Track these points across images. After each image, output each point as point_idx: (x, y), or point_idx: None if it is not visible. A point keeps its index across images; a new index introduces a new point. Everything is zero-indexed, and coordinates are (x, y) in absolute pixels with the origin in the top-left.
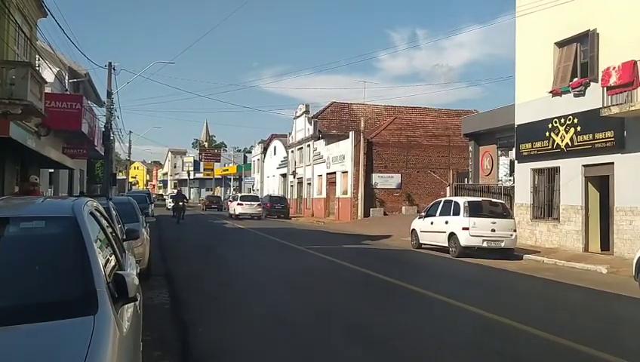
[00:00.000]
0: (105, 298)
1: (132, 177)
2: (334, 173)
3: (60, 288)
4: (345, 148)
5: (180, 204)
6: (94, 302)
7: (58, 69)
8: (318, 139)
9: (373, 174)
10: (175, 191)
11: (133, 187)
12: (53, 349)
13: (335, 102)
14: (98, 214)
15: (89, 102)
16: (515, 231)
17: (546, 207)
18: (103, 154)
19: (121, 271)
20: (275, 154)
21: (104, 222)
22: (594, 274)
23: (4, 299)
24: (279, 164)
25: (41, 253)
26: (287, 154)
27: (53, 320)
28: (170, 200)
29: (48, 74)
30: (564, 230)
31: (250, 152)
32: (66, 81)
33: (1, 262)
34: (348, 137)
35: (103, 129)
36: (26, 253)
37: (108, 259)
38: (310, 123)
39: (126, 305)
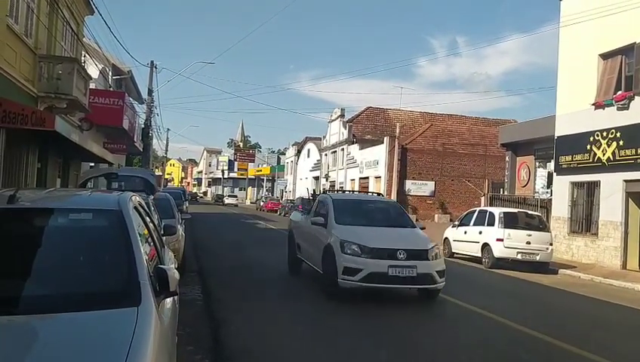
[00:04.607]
0: (148, 290)
1: (168, 174)
2: (367, 177)
3: (105, 279)
4: (379, 153)
5: None
6: (138, 294)
7: (102, 66)
8: (352, 143)
9: (407, 181)
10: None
11: (169, 183)
12: (99, 337)
13: (371, 107)
14: (141, 209)
15: (130, 98)
16: (551, 244)
17: (584, 222)
18: (141, 150)
19: (162, 265)
20: (308, 156)
21: (146, 217)
22: (632, 293)
23: (53, 287)
24: (312, 167)
25: (88, 243)
26: (321, 157)
27: (99, 310)
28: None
29: (93, 70)
30: (602, 246)
31: (284, 154)
32: (110, 78)
33: (50, 251)
34: (382, 142)
35: (143, 125)
36: (74, 244)
37: (150, 253)
38: (345, 127)
39: (166, 299)
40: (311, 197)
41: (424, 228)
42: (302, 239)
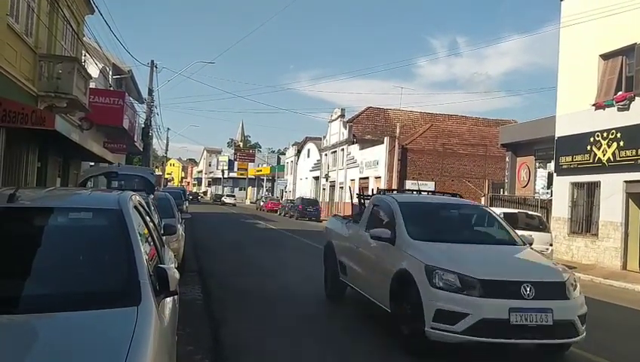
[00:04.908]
0: (148, 290)
1: (167, 173)
2: (367, 178)
3: (105, 278)
4: (379, 153)
5: None
6: (138, 293)
7: (103, 65)
8: (352, 143)
9: (407, 181)
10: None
11: (169, 183)
12: (99, 337)
13: (371, 107)
14: (141, 208)
15: (130, 98)
16: (551, 245)
17: (585, 222)
18: (141, 149)
19: (162, 264)
20: (308, 156)
21: (146, 217)
22: (632, 293)
23: (53, 287)
24: (312, 167)
25: (88, 243)
26: (321, 157)
27: (98, 309)
28: None
29: (93, 69)
30: (603, 246)
31: (284, 154)
32: (110, 77)
33: (49, 250)
34: (382, 142)
35: (143, 125)
36: (74, 243)
37: (150, 252)
38: (345, 127)
39: (165, 299)
40: (358, 199)
41: (532, 244)
42: (349, 257)
